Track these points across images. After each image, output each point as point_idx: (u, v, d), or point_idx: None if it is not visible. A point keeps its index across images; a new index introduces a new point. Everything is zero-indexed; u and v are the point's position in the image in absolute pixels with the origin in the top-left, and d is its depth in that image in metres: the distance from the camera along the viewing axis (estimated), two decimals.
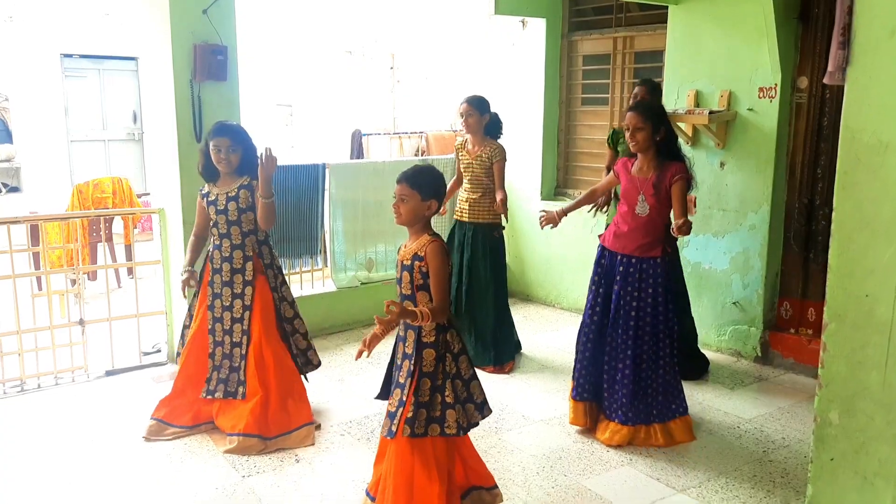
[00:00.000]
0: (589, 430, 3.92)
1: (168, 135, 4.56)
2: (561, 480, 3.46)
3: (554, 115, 6.35)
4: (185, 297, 3.88)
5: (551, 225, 4.02)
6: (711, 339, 5.19)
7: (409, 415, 2.78)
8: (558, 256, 6.29)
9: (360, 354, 2.88)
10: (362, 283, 5.84)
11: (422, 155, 7.68)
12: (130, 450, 3.73)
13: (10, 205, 9.35)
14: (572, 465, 3.60)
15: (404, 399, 2.81)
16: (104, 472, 3.52)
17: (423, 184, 2.83)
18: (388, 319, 2.70)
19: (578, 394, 3.90)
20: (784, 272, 4.95)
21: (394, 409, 2.84)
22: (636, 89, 4.72)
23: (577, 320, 5.93)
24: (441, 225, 6.11)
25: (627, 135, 3.76)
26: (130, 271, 7.39)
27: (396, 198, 2.87)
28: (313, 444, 3.76)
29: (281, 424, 3.75)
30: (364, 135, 7.54)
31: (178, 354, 3.96)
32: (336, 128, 9.06)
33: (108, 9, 9.34)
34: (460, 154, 4.92)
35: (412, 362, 2.83)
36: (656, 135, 3.70)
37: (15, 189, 10.38)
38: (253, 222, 3.75)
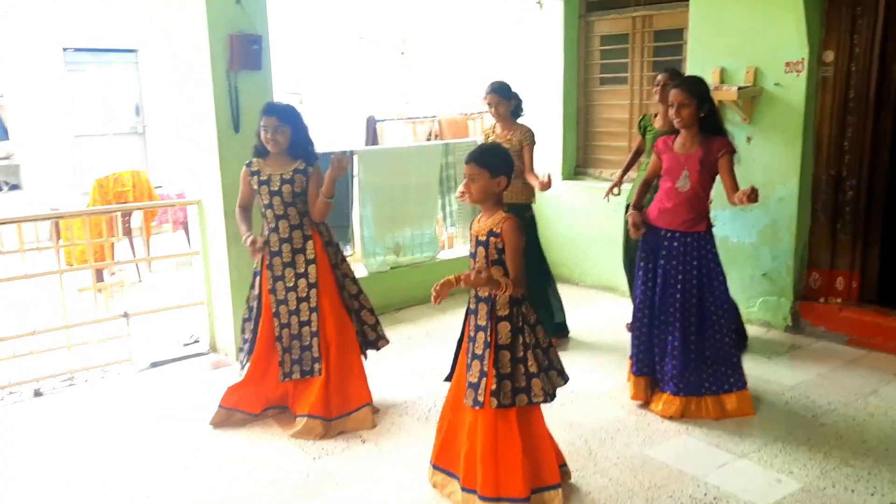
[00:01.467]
0: (648, 402, 3.99)
1: (206, 125, 4.54)
2: (624, 451, 3.55)
3: (573, 95, 6.40)
4: (256, 265, 3.84)
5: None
6: (741, 310, 5.29)
7: (494, 387, 2.86)
8: (581, 235, 6.37)
9: (436, 300, 2.92)
10: (391, 268, 5.89)
11: (435, 139, 7.71)
12: (196, 436, 3.76)
13: (12, 203, 9.24)
14: (632, 437, 3.69)
15: (485, 370, 2.89)
16: (171, 458, 3.56)
17: (492, 161, 2.94)
18: (474, 280, 2.76)
19: (638, 369, 3.99)
20: (812, 243, 5.06)
21: (475, 380, 2.92)
22: (659, 77, 4.62)
23: (601, 297, 6.08)
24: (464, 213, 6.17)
25: (672, 111, 3.79)
26: (149, 266, 7.38)
27: (466, 178, 2.96)
28: (373, 427, 3.80)
29: (341, 405, 3.79)
30: (378, 121, 7.56)
31: (242, 348, 3.97)
32: (347, 114, 9.03)
33: (110, 0, 9.22)
34: (490, 138, 4.91)
35: (487, 334, 2.91)
36: (701, 111, 3.77)
37: (16, 187, 10.25)
38: (306, 203, 3.76)
